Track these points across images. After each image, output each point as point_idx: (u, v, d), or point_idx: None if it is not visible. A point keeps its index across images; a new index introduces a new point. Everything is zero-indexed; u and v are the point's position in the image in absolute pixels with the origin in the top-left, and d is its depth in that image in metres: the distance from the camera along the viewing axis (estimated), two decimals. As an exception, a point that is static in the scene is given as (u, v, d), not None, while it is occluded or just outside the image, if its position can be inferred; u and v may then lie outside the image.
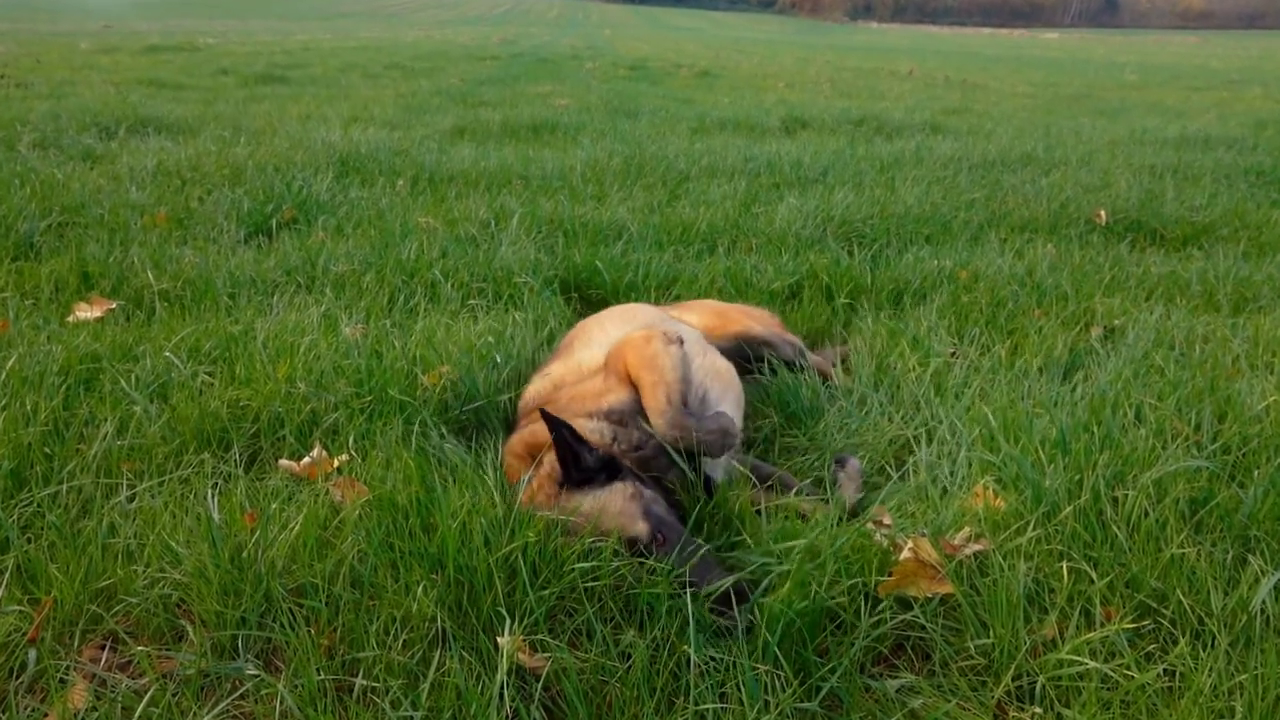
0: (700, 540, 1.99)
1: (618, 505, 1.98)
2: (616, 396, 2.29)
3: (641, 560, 1.87)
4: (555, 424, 2.01)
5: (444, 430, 2.46)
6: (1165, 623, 1.77)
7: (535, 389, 2.53)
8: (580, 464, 2.03)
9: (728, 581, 1.79)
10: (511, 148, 7.24)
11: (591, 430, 2.21)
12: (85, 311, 3.28)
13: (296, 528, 1.92)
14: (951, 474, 2.35)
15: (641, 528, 1.94)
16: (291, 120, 8.25)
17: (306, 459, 2.30)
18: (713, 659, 1.71)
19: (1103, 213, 5.01)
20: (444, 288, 3.58)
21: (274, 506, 2.01)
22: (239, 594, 1.79)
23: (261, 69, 13.88)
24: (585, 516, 1.96)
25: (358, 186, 5.52)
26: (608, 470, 2.05)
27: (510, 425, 2.54)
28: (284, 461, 2.31)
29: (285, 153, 6.17)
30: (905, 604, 1.84)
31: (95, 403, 2.53)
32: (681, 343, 2.40)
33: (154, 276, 3.59)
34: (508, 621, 1.72)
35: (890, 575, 1.85)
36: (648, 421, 2.22)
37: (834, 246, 4.39)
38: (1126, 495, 2.05)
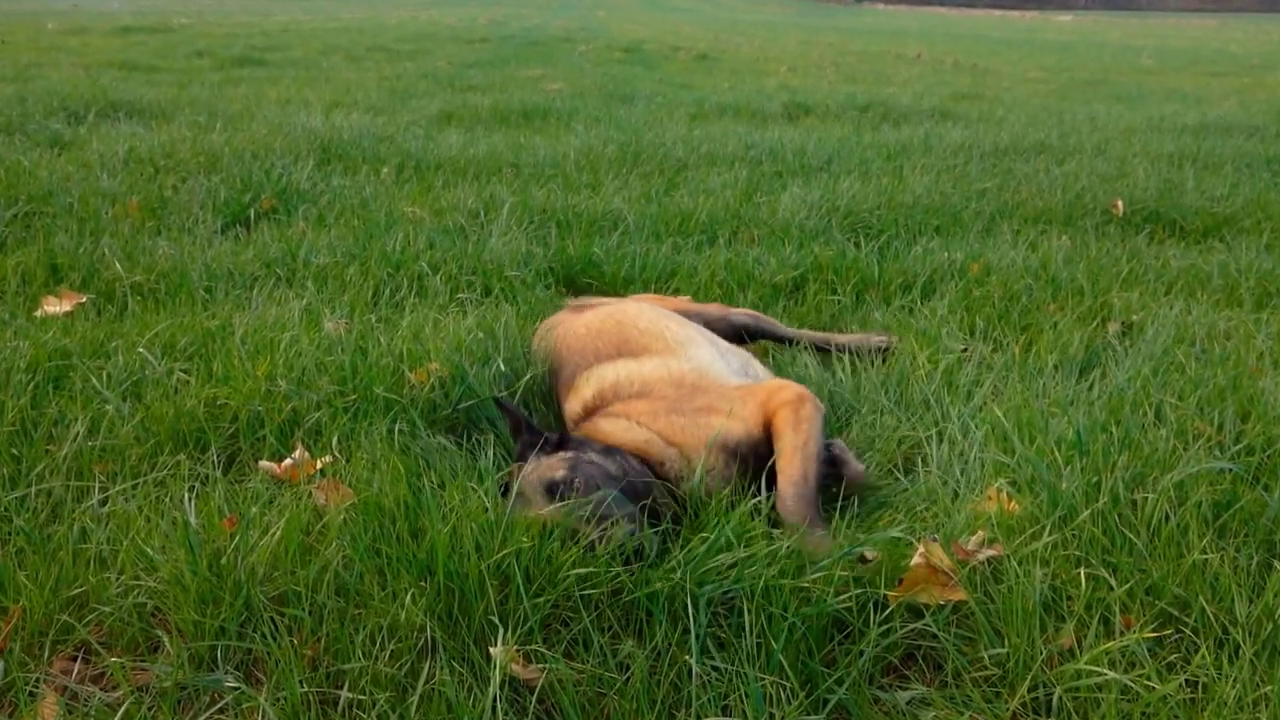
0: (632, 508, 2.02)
1: (552, 461, 2.11)
2: (741, 428, 2.30)
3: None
4: (507, 409, 2.32)
5: (434, 430, 2.45)
6: (1187, 631, 1.78)
7: (620, 380, 2.53)
8: (533, 436, 2.22)
9: (620, 531, 1.89)
10: (501, 134, 7.22)
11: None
12: (54, 305, 3.27)
13: (278, 533, 1.91)
14: (963, 476, 2.36)
15: (561, 474, 2.04)
16: (270, 105, 8.22)
17: (288, 460, 2.29)
18: (715, 669, 1.71)
19: (1120, 203, 5.02)
20: (431, 281, 3.58)
21: (254, 510, 2.01)
22: (218, 602, 1.78)
23: (239, 51, 13.82)
24: (525, 474, 2.08)
25: (340, 174, 5.51)
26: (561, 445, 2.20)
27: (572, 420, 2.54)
28: (264, 463, 2.30)
29: (264, 139, 6.14)
30: (916, 612, 1.84)
31: (65, 401, 2.52)
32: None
33: (126, 269, 3.58)
34: (500, 631, 1.72)
35: (900, 582, 1.85)
36: (769, 477, 2.23)
37: (839, 238, 4.39)
38: (1146, 498, 2.05)
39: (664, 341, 2.70)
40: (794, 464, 2.20)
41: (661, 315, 2.87)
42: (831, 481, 2.32)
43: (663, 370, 2.55)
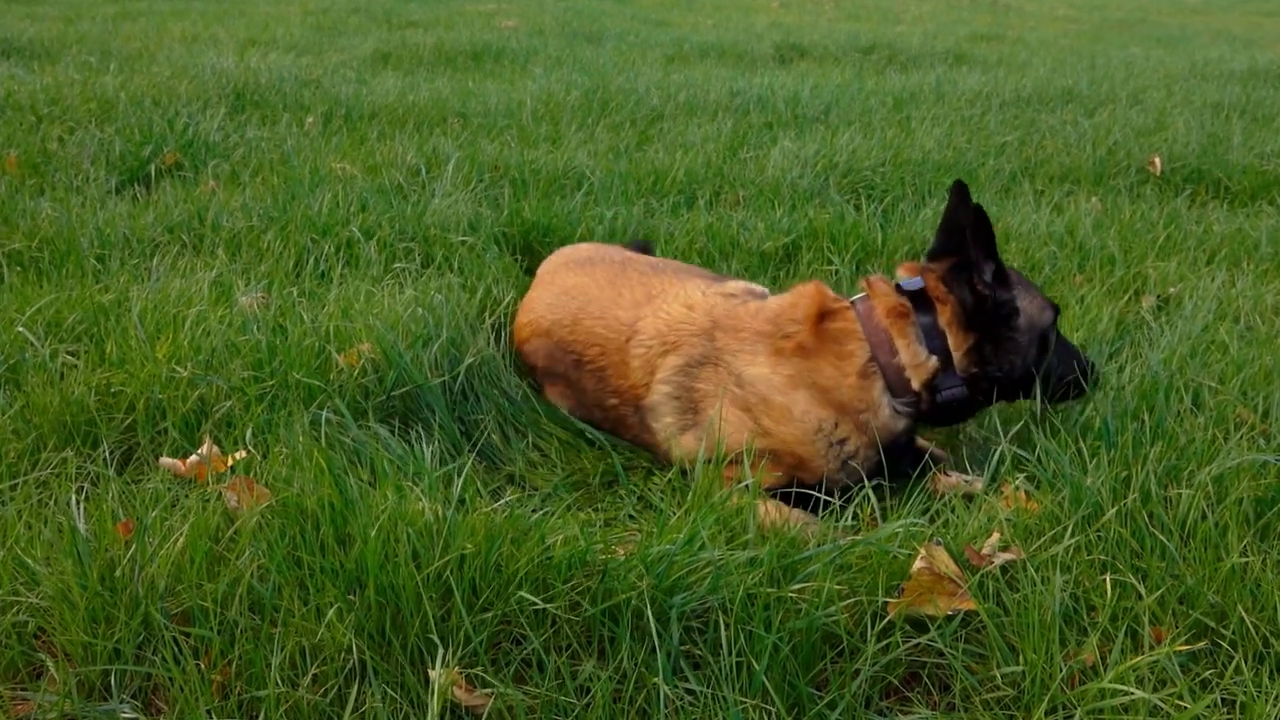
0: None
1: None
2: None
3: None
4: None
5: (367, 421, 2.45)
6: (1224, 644, 1.81)
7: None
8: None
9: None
10: (446, 78, 7.19)
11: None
12: (-84, 277, 3.22)
13: (181, 540, 1.90)
14: (979, 470, 2.39)
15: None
16: (174, 43, 8.12)
17: (194, 457, 2.28)
18: (689, 692, 1.73)
19: (1157, 160, 5.08)
20: (364, 248, 3.56)
21: (154, 515, 1.99)
22: (111, 621, 1.77)
23: (136, -21, 13.62)
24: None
25: (256, 125, 5.46)
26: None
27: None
28: (166, 460, 2.29)
29: (166, 83, 6.08)
30: (919, 625, 1.87)
31: (-70, 389, 2.49)
32: None
33: (3, 234, 3.53)
34: (440, 651, 1.72)
35: (901, 591, 1.88)
36: None
37: (838, 199, 4.41)
38: (1180, 495, 2.08)
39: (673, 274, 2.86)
40: None
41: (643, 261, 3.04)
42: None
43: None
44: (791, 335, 2.41)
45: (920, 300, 2.38)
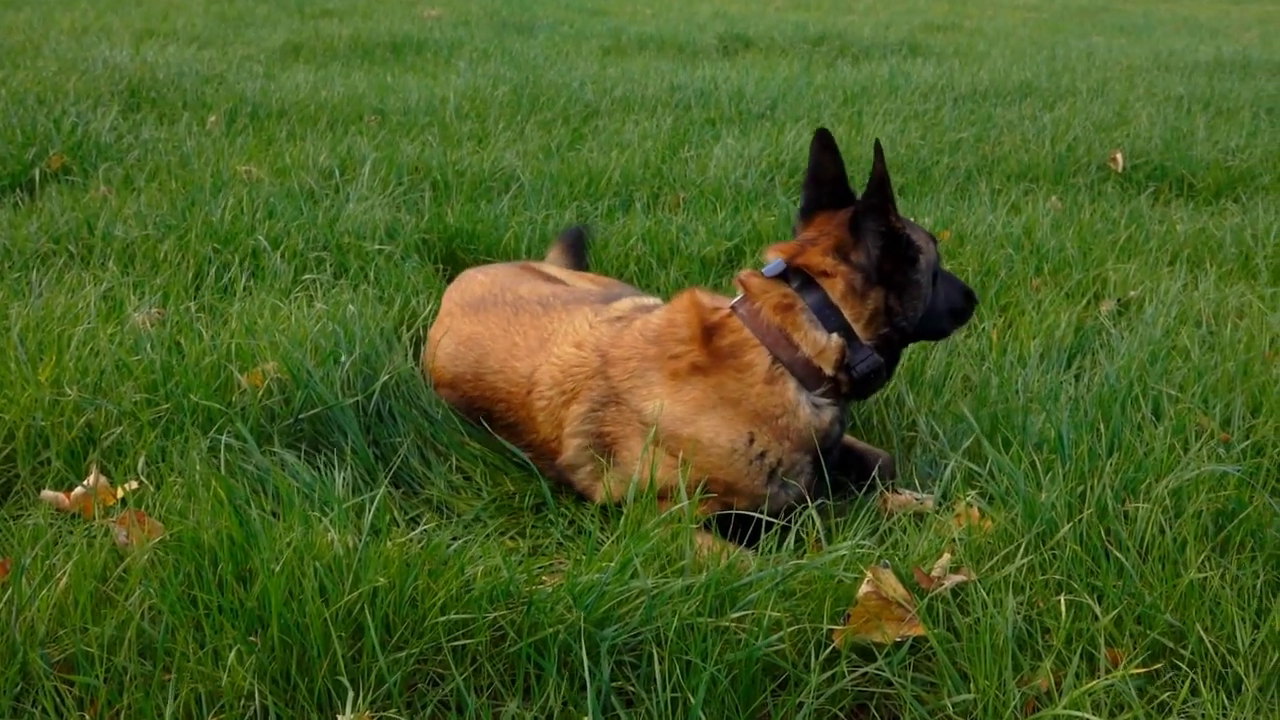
0: None
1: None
2: None
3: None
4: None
5: (272, 446, 2.43)
6: (1183, 665, 1.86)
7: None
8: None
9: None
10: (364, 72, 7.19)
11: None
12: None
13: (64, 581, 1.88)
14: (928, 485, 2.42)
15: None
16: (61, 35, 8.00)
17: (79, 489, 2.25)
18: (620, 732, 1.74)
19: (1119, 156, 5.21)
20: (270, 259, 3.54)
21: (33, 553, 1.96)
22: (-15, 671, 1.74)
23: (20, -35, 13.40)
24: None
25: (153, 124, 5.42)
26: None
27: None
28: (47, 493, 2.26)
29: (53, 79, 6.02)
30: (866, 653, 1.89)
31: None
32: None
33: None
34: (350, 694, 1.71)
35: (847, 617, 1.90)
36: None
37: (784, 200, 4.46)
38: (1138, 509, 2.14)
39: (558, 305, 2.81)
40: None
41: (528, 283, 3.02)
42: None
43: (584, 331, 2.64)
44: (680, 355, 2.42)
45: (803, 281, 2.40)
